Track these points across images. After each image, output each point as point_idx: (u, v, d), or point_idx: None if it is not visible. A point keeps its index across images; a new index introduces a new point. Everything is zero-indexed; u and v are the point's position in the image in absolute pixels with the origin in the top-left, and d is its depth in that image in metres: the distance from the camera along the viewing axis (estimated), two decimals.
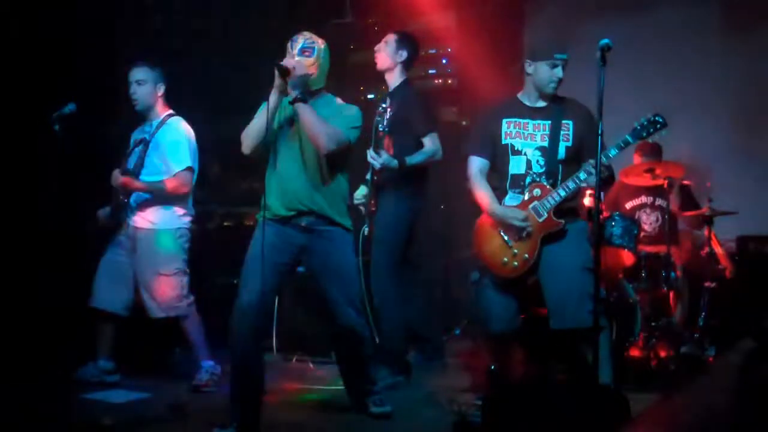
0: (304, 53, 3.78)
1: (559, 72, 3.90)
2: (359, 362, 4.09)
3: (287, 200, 3.83)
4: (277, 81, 3.69)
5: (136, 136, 4.79)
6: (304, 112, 3.69)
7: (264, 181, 3.88)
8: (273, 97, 3.71)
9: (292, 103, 3.70)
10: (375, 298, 4.69)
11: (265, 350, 4.26)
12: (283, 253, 3.84)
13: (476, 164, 4.07)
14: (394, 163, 4.60)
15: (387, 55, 4.85)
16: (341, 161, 3.90)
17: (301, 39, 3.82)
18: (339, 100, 3.99)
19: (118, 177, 4.58)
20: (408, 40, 4.90)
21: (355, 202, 4.82)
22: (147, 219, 4.61)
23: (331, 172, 3.87)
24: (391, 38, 4.86)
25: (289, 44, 3.83)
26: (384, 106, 4.69)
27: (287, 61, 3.71)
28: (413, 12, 6.48)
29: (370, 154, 4.55)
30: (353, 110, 3.93)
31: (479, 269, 4.14)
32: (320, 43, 3.86)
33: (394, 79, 4.88)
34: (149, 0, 5.65)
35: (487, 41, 6.39)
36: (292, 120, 3.85)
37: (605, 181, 3.90)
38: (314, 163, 3.83)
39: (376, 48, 4.91)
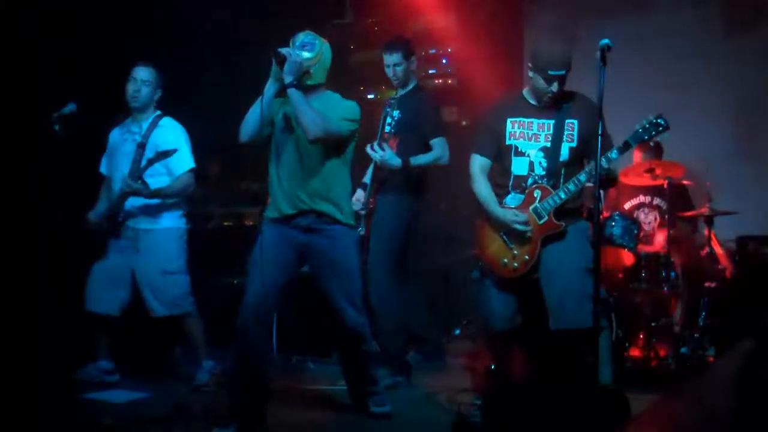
0: (304, 48, 3.82)
1: (553, 87, 3.81)
2: (360, 361, 4.09)
3: (289, 199, 3.85)
4: (273, 68, 3.73)
5: (117, 135, 4.75)
6: (296, 98, 3.72)
7: (267, 181, 3.91)
8: (269, 85, 3.75)
9: (285, 87, 3.72)
10: (374, 299, 4.69)
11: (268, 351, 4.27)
12: (287, 252, 3.86)
13: (478, 163, 4.05)
14: (397, 161, 4.60)
15: (408, 70, 4.82)
16: (339, 155, 3.90)
17: (302, 35, 3.86)
18: (338, 97, 3.99)
19: (132, 185, 4.47)
20: (410, 46, 4.88)
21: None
22: (149, 220, 4.62)
23: (332, 169, 3.88)
24: (396, 57, 4.76)
25: (291, 41, 3.87)
26: (393, 100, 4.71)
27: (283, 49, 3.75)
28: (413, 12, 6.49)
29: (369, 148, 4.54)
30: (349, 104, 3.94)
31: (480, 269, 4.13)
32: (322, 40, 3.88)
33: (407, 84, 4.87)
34: (150, 0, 5.66)
35: (487, 41, 6.38)
36: (291, 117, 3.86)
37: (607, 182, 3.89)
38: (315, 161, 3.84)
39: (391, 74, 4.81)
